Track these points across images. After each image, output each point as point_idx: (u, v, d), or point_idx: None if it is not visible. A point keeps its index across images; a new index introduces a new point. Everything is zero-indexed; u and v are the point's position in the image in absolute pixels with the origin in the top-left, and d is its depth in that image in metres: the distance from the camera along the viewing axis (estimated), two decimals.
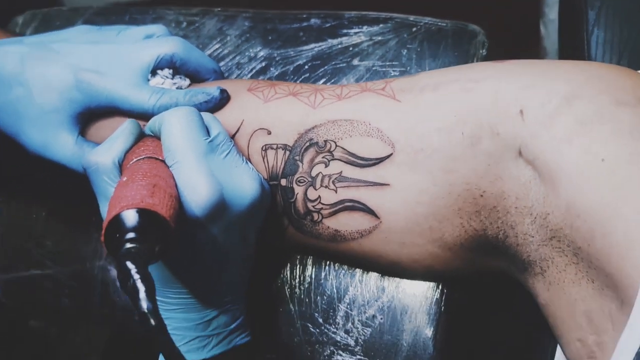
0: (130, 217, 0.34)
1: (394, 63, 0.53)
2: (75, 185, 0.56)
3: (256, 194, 0.42)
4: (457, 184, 0.41)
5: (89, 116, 0.48)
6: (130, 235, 0.34)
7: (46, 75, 0.46)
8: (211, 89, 0.47)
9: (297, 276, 0.50)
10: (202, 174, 0.39)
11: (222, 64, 0.59)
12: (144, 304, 0.32)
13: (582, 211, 0.36)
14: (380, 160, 0.42)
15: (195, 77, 0.51)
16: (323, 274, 0.50)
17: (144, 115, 0.47)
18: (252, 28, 0.60)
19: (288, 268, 0.51)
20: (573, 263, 0.38)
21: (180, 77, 0.50)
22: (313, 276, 0.50)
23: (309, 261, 0.50)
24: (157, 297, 0.43)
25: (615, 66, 0.40)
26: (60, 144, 0.47)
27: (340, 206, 0.43)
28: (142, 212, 0.34)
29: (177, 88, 0.49)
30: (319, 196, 0.44)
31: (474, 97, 0.41)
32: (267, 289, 0.51)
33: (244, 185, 0.41)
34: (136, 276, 0.32)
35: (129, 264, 0.32)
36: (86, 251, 0.57)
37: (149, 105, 0.46)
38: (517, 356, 0.52)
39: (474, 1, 1.11)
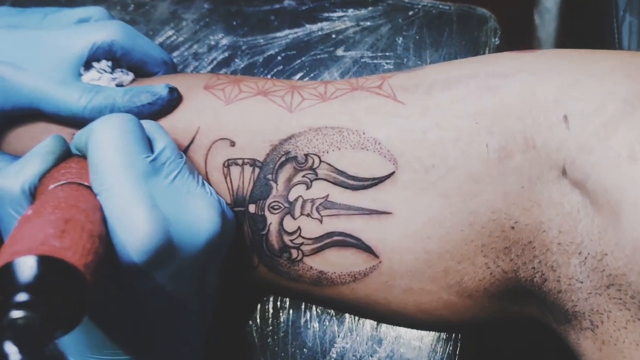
0: (25, 269, 0.24)
1: (387, 54, 0.43)
2: None
3: (215, 228, 0.32)
4: (481, 212, 0.32)
5: (4, 121, 0.39)
6: (22, 297, 0.23)
7: None
8: (157, 87, 0.37)
9: (270, 322, 0.40)
10: (142, 204, 0.30)
11: (175, 54, 0.50)
12: None
13: None
14: (378, 180, 0.33)
15: (141, 71, 0.42)
16: (303, 320, 0.40)
17: (73, 120, 0.38)
18: (213, 11, 0.50)
19: (258, 310, 0.41)
20: (638, 319, 0.30)
21: (122, 71, 0.41)
22: (290, 322, 0.40)
23: (286, 302, 0.40)
24: None
25: None
26: None
27: (327, 241, 0.34)
28: (43, 261, 0.24)
29: (117, 85, 0.41)
30: (299, 227, 0.35)
31: (501, 97, 0.32)
32: (231, 336, 0.41)
33: (198, 217, 0.32)
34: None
35: (9, 347, 0.22)
36: None
37: (78, 107, 0.37)
38: None
39: None
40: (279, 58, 0.46)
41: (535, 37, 0.94)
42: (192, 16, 0.50)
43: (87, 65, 0.39)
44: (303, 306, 0.40)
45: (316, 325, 0.39)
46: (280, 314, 0.40)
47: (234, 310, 0.41)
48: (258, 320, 0.41)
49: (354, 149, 0.34)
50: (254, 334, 0.40)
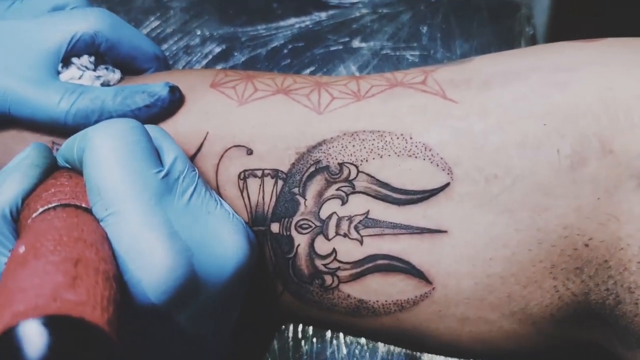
0: (34, 337, 0.19)
1: (410, 45, 0.41)
2: None
3: (243, 256, 0.28)
4: (551, 228, 0.30)
5: None
6: None
7: None
8: (155, 85, 0.34)
9: (291, 355, 0.36)
10: (158, 232, 0.26)
11: (164, 47, 0.48)
12: None
13: None
14: (430, 193, 0.30)
15: (129, 68, 0.38)
16: (329, 351, 0.36)
17: (52, 127, 0.34)
18: None
19: (276, 341, 0.36)
20: None
21: (107, 68, 0.37)
22: (314, 354, 0.36)
23: (309, 330, 0.36)
24: None
25: None
26: None
27: (370, 265, 0.31)
28: (57, 324, 0.19)
29: (101, 82, 0.37)
30: (334, 250, 0.31)
31: (572, 94, 0.30)
32: None
33: (223, 243, 0.29)
34: None
35: None
36: None
37: (59, 111, 0.33)
38: None
39: None
40: (286, 51, 0.43)
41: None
42: (181, 4, 0.47)
43: (66, 62, 0.36)
44: (328, 334, 0.36)
45: (344, 356, 0.35)
46: (302, 344, 0.36)
47: (249, 340, 0.37)
48: (277, 352, 0.37)
49: (399, 156, 0.30)
50: None
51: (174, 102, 0.33)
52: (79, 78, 0.36)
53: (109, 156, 0.27)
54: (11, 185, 0.28)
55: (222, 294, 0.28)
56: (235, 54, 0.44)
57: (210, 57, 0.45)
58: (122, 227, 0.26)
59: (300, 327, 0.37)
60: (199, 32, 0.45)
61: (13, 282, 0.20)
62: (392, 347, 0.35)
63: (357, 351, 0.35)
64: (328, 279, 0.31)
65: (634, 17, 0.48)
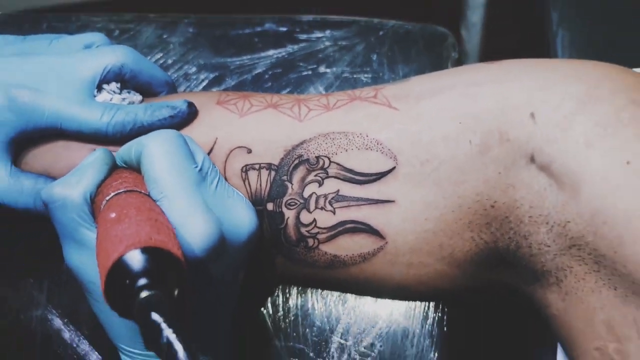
0: (140, 259, 0.28)
1: (364, 69, 0.50)
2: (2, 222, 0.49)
3: (254, 226, 0.37)
4: (467, 195, 0.38)
5: (24, 141, 0.42)
6: (144, 280, 0.27)
7: None
8: (177, 101, 0.41)
9: (281, 308, 0.45)
10: (199, 209, 0.34)
11: None
12: None
13: (608, 217, 0.35)
14: (382, 174, 0.39)
15: (147, 91, 0.46)
16: (310, 304, 0.45)
17: (94, 137, 0.41)
18: (198, 35, 0.54)
19: (269, 301, 0.46)
20: (594, 271, 0.37)
21: (129, 92, 0.45)
22: (299, 306, 0.45)
23: (293, 290, 0.46)
24: (134, 351, 0.37)
25: (617, 66, 0.40)
26: None
27: (341, 228, 0.40)
28: (153, 252, 0.29)
29: (127, 103, 0.43)
30: (314, 219, 0.40)
31: (479, 102, 0.39)
32: (248, 324, 0.46)
33: (240, 217, 0.37)
34: (168, 330, 0.26)
35: (156, 316, 0.26)
36: (18, 300, 0.49)
37: (101, 124, 0.40)
38: None
39: (395, 5, 1.11)
40: (267, 76, 0.51)
41: (462, 49, 1.04)
42: (178, 39, 0.54)
43: (98, 88, 0.42)
44: (309, 292, 0.46)
45: (322, 306, 0.45)
46: (290, 300, 0.46)
47: (248, 301, 0.46)
48: (270, 308, 0.46)
49: (359, 149, 0.39)
50: (267, 320, 0.46)
51: (191, 114, 0.41)
52: (110, 100, 0.43)
53: (162, 155, 0.35)
54: (90, 177, 0.36)
55: (240, 252, 0.37)
56: (227, 79, 0.52)
57: (205, 82, 0.52)
58: (175, 205, 0.34)
59: (287, 289, 0.46)
60: (195, 62, 0.53)
61: (115, 232, 0.30)
62: (358, 297, 0.45)
63: (331, 302, 0.45)
64: (310, 241, 0.40)
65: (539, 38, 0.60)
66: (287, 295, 0.46)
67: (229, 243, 0.36)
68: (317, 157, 0.40)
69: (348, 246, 0.40)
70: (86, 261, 0.35)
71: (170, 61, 0.54)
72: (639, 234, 0.34)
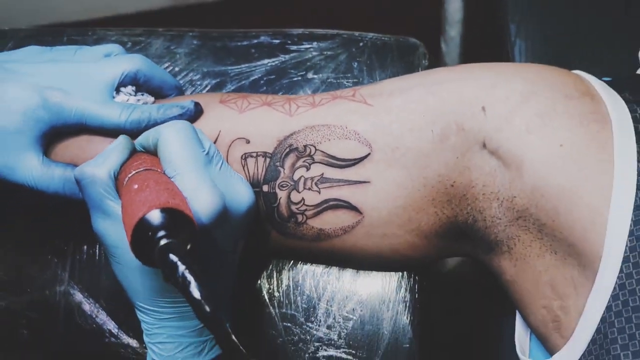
0: (159, 217, 0.35)
1: (346, 75, 0.57)
2: (28, 206, 0.55)
3: (251, 201, 0.44)
4: (431, 177, 0.44)
5: (54, 135, 0.48)
6: (163, 232, 0.34)
7: (7, 96, 0.45)
8: (185, 102, 0.48)
9: (275, 280, 0.52)
10: (207, 185, 0.40)
11: None
12: (197, 292, 0.33)
13: (546, 191, 0.41)
14: (359, 160, 0.45)
15: (158, 94, 0.52)
16: (300, 276, 0.52)
17: (115, 132, 0.47)
18: (201, 46, 0.61)
19: (265, 274, 0.53)
20: (537, 239, 0.42)
21: (143, 94, 0.50)
22: (290, 278, 0.52)
23: (285, 266, 0.52)
24: (149, 307, 0.44)
25: (556, 67, 0.46)
26: (26, 166, 0.46)
27: (325, 206, 0.46)
28: (170, 212, 0.35)
29: (142, 104, 0.49)
30: (303, 198, 0.46)
31: (440, 98, 0.45)
32: (246, 294, 0.52)
33: (241, 193, 0.43)
34: (182, 267, 0.33)
35: (173, 257, 0.33)
36: (44, 277, 0.55)
37: (120, 120, 0.46)
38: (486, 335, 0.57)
39: (376, 17, 1.19)
40: (262, 81, 0.57)
41: (442, 62, 1.11)
42: (184, 50, 0.60)
43: (117, 90, 0.48)
44: (299, 266, 0.53)
45: (310, 278, 0.52)
46: (282, 273, 0.52)
47: (246, 275, 0.52)
48: (265, 281, 0.53)
49: (340, 139, 0.45)
50: (263, 290, 0.52)
51: (197, 112, 0.48)
52: (126, 101, 0.48)
53: (175, 140, 0.41)
54: (114, 158, 0.42)
55: (239, 224, 0.43)
56: (227, 85, 0.58)
57: (208, 87, 0.58)
58: (186, 180, 0.40)
59: (280, 263, 0.52)
60: (199, 70, 0.58)
61: (138, 198, 0.36)
62: (341, 269, 0.52)
63: (318, 274, 0.52)
64: (299, 217, 0.47)
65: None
66: (280, 268, 0.53)
67: (231, 214, 0.42)
68: (305, 146, 0.46)
69: (331, 220, 0.46)
70: (110, 227, 0.41)
71: (177, 69, 0.60)
72: (571, 205, 0.40)
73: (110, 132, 0.47)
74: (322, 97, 0.48)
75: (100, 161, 0.42)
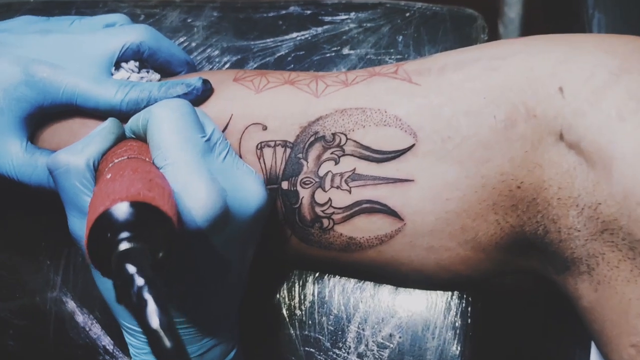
0: (125, 211, 0.27)
1: (389, 50, 0.48)
2: (18, 202, 0.49)
3: (262, 201, 0.36)
4: (491, 175, 0.37)
5: (41, 118, 0.42)
6: (126, 234, 0.26)
7: None
8: (192, 79, 0.41)
9: (296, 295, 0.44)
10: (203, 177, 0.33)
11: None
12: (154, 320, 0.24)
13: None
14: (400, 152, 0.38)
15: (165, 70, 0.45)
16: (327, 291, 0.44)
17: (110, 114, 0.41)
18: (222, 18, 0.54)
19: (285, 287, 0.44)
20: (628, 258, 0.34)
21: (148, 71, 0.44)
22: (315, 294, 0.44)
23: (309, 277, 0.44)
24: (135, 328, 0.37)
25: None
26: (6, 152, 0.41)
27: (357, 209, 0.38)
28: (140, 206, 0.27)
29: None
30: (330, 199, 0.38)
31: (504, 75, 0.37)
32: (261, 311, 0.44)
33: (248, 191, 0.36)
34: (140, 281, 0.25)
35: (129, 267, 0.25)
36: (35, 282, 0.49)
37: (115, 101, 0.40)
38: None
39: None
40: (289, 58, 0.50)
41: None
42: (202, 23, 0.53)
43: (117, 66, 0.42)
44: (326, 279, 0.44)
45: (339, 294, 0.43)
46: (306, 287, 0.44)
47: (262, 286, 0.45)
48: (285, 295, 0.44)
49: (377, 126, 0.38)
50: (282, 307, 0.44)
51: (206, 91, 0.41)
52: (127, 79, 0.43)
53: (168, 123, 0.34)
54: (95, 145, 0.35)
55: (245, 227, 0.36)
56: (249, 62, 0.50)
57: (228, 64, 0.51)
58: (178, 172, 0.33)
59: (304, 274, 0.44)
60: (218, 45, 0.51)
61: (106, 189, 0.29)
62: (376, 285, 0.43)
63: (349, 290, 0.43)
64: (325, 222, 0.39)
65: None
66: (304, 281, 0.44)
67: (234, 216, 0.34)
68: (334, 134, 0.39)
69: (364, 227, 0.38)
70: None
71: (194, 44, 0.53)
72: None
73: (105, 114, 0.41)
74: (356, 74, 0.41)
75: (78, 148, 0.35)
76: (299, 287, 0.44)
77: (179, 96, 0.40)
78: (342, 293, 0.43)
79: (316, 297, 0.44)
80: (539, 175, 0.36)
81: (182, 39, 0.53)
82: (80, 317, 0.47)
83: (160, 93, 0.40)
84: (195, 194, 0.32)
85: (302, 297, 0.44)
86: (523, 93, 0.36)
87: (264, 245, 0.40)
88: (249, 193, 0.35)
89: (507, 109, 0.36)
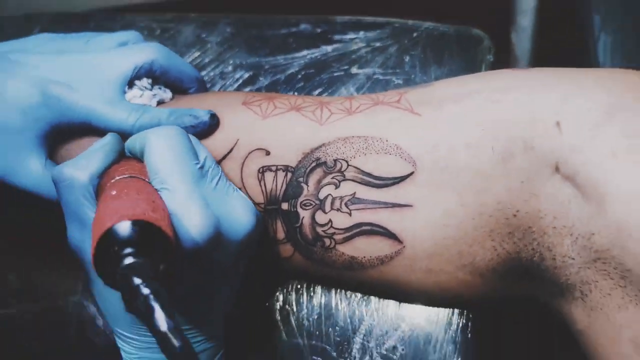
0: (129, 229, 0.30)
1: (396, 71, 0.49)
2: (42, 212, 0.51)
3: (251, 226, 0.38)
4: (488, 203, 0.38)
5: (58, 135, 0.44)
6: (130, 249, 0.29)
7: (6, 90, 0.41)
8: (200, 111, 0.42)
9: (305, 307, 0.46)
10: (197, 203, 0.35)
11: (203, 73, 0.55)
12: (163, 324, 0.27)
13: (636, 231, 0.33)
14: (400, 179, 0.39)
15: (177, 87, 0.47)
16: (334, 303, 0.45)
17: (121, 135, 0.42)
18: (235, 34, 0.55)
19: (294, 298, 0.46)
20: (620, 286, 0.35)
21: (160, 88, 0.46)
22: (323, 305, 0.46)
23: (317, 289, 0.46)
24: (128, 335, 0.39)
25: None
26: (26, 169, 0.42)
27: (357, 230, 0.40)
28: (143, 225, 0.30)
29: (157, 100, 0.45)
30: (330, 220, 0.40)
31: (503, 109, 0.38)
32: (273, 321, 0.46)
33: (238, 216, 0.38)
34: (146, 291, 0.28)
35: (136, 279, 0.28)
36: (58, 286, 0.51)
37: (127, 124, 0.42)
38: None
39: (442, 7, 1.09)
40: (299, 76, 0.51)
41: (512, 54, 1.01)
42: (216, 39, 0.55)
43: (130, 84, 0.44)
44: (333, 291, 0.46)
45: (346, 306, 0.45)
46: (314, 299, 0.46)
47: (272, 296, 0.47)
48: (294, 305, 0.46)
49: (378, 154, 0.39)
50: (291, 317, 0.46)
51: (213, 126, 0.42)
52: (140, 96, 0.44)
53: (164, 149, 0.36)
54: (97, 161, 0.37)
55: (235, 250, 0.37)
56: (260, 78, 0.52)
57: (240, 81, 0.53)
58: (173, 197, 0.35)
59: (312, 287, 0.46)
60: (231, 62, 0.53)
61: (113, 206, 0.31)
62: (381, 299, 0.45)
63: (355, 303, 0.45)
64: (327, 241, 0.40)
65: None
66: (312, 293, 0.46)
67: (225, 239, 0.36)
68: (335, 160, 0.40)
69: (365, 248, 0.40)
70: (87, 240, 0.36)
71: (207, 60, 0.55)
72: None
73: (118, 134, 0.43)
74: (360, 101, 0.42)
75: (82, 163, 0.37)
76: (307, 297, 0.46)
77: (185, 127, 0.41)
78: (348, 306, 0.45)
79: (323, 309, 0.46)
80: (534, 204, 0.37)
81: (195, 54, 0.55)
82: (101, 321, 0.49)
83: (169, 122, 0.42)
84: (189, 219, 0.34)
85: (310, 308, 0.46)
86: (522, 127, 0.37)
87: (271, 261, 0.42)
88: (239, 219, 0.37)
89: (505, 141, 0.37)
